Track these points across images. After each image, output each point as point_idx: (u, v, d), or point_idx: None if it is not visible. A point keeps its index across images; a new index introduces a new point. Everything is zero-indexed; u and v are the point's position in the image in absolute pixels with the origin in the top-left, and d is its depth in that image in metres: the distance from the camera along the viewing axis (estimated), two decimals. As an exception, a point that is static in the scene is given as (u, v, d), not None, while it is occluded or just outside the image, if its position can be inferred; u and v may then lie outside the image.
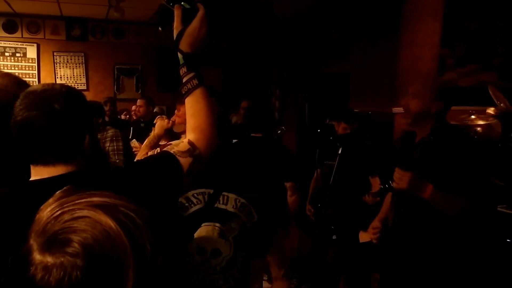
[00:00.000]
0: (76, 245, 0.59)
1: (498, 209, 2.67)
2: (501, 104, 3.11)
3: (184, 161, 1.15)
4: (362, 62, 4.64)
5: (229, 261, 1.51)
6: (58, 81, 5.84)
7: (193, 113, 1.24)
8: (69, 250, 0.59)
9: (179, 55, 1.24)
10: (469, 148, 1.94)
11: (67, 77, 5.89)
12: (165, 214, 1.09)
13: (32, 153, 0.98)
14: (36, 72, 5.76)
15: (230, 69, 6.46)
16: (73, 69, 5.90)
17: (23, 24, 5.64)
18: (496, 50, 3.95)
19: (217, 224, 1.48)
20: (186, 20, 1.27)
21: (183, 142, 1.21)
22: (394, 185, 1.94)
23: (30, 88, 1.00)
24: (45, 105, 0.95)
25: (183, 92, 1.25)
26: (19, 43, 5.67)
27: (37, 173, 0.98)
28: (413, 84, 2.12)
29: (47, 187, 0.93)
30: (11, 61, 5.66)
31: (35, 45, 5.73)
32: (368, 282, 3.23)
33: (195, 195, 1.47)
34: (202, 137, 1.22)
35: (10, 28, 5.60)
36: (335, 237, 3.44)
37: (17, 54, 5.68)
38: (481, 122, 2.98)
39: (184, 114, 2.52)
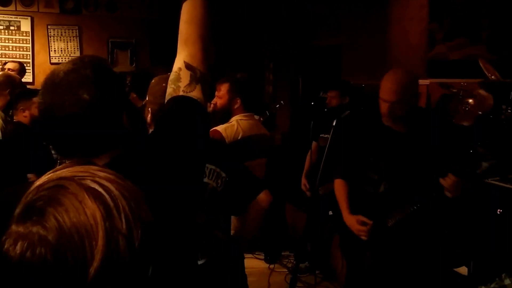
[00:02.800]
0: (52, 219, 0.53)
1: (491, 181, 2.66)
2: (492, 77, 3.20)
3: (196, 93, 1.04)
4: (353, 35, 4.71)
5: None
6: (52, 54, 5.84)
7: (187, 19, 1.11)
8: (43, 221, 0.53)
9: None
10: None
11: (61, 50, 5.89)
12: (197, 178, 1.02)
13: (69, 148, 0.91)
14: (30, 45, 5.74)
15: (221, 42, 6.48)
16: (67, 42, 5.89)
17: (16, -3, 5.61)
18: (483, 23, 4.03)
19: None
20: None
21: (181, 70, 1.06)
22: (448, 194, 1.84)
23: (52, 76, 0.93)
24: (73, 98, 0.87)
25: None
26: (13, 16, 5.63)
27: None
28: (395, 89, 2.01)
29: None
30: (5, 35, 5.63)
31: (29, 18, 5.69)
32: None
33: None
34: (196, 50, 1.08)
35: (3, 1, 5.55)
36: (331, 213, 3.49)
37: (11, 28, 5.65)
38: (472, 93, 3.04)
39: (226, 94, 2.47)
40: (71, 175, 0.58)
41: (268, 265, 3.89)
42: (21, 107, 2.94)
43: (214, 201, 1.55)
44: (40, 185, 0.57)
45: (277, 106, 3.90)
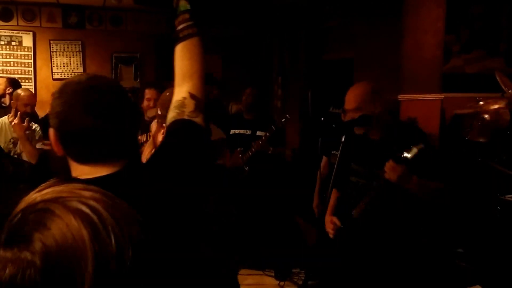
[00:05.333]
0: (39, 244, 0.54)
1: (507, 198, 2.66)
2: (509, 91, 3.07)
3: (199, 120, 1.13)
4: (365, 49, 4.58)
5: None
6: (55, 70, 5.75)
7: (190, 57, 1.20)
8: (30, 247, 0.55)
9: (182, 2, 1.23)
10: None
11: (64, 66, 5.79)
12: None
13: (91, 152, 0.96)
14: (32, 61, 5.66)
15: (230, 57, 6.38)
16: (69, 57, 5.80)
17: (18, 12, 5.52)
18: (502, 35, 3.90)
19: None
20: None
21: (186, 99, 1.15)
22: (385, 175, 2.05)
23: (70, 86, 0.97)
24: (99, 109, 0.93)
25: (180, 36, 1.21)
26: (15, 31, 5.55)
27: (91, 171, 0.95)
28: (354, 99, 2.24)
29: (111, 182, 0.92)
30: (6, 50, 5.56)
31: (31, 33, 5.61)
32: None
33: None
34: (199, 83, 1.18)
35: (5, 16, 5.48)
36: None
37: (13, 43, 5.57)
38: (492, 107, 2.95)
39: (154, 96, 2.50)
40: (56, 196, 0.58)
41: (278, 282, 3.82)
42: None
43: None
44: (25, 209, 0.58)
45: (283, 120, 3.73)
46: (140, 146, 3.00)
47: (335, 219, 2.35)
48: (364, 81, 2.48)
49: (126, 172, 0.95)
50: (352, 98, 2.26)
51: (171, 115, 1.14)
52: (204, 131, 1.13)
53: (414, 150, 1.97)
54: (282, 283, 3.78)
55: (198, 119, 1.12)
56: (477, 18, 3.95)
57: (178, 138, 1.10)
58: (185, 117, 1.11)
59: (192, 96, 1.14)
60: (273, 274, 3.93)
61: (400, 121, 2.45)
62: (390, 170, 2.03)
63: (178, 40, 1.22)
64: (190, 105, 1.13)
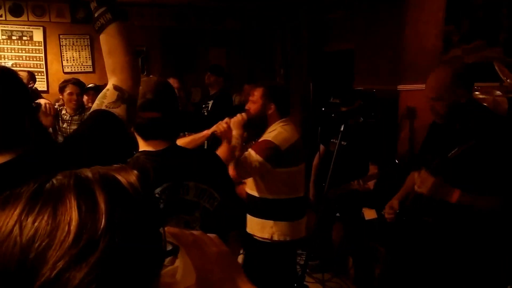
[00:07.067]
0: None
1: None
2: (508, 80, 3.09)
3: (120, 111, 1.10)
4: (366, 39, 4.62)
5: None
6: (65, 63, 5.90)
7: (109, 51, 1.14)
8: None
9: None
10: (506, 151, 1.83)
11: (74, 60, 5.94)
12: None
13: None
14: (43, 55, 5.80)
15: (234, 49, 6.45)
16: (79, 51, 5.93)
17: (28, 8, 5.65)
18: (502, 24, 3.90)
19: (182, 215, 1.46)
20: None
21: (108, 90, 1.13)
22: (415, 187, 1.89)
23: None
24: None
25: (96, 29, 1.14)
26: (26, 27, 5.69)
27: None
28: (431, 88, 2.03)
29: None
30: (18, 45, 5.70)
31: (41, 28, 5.75)
32: (375, 256, 3.29)
33: (158, 193, 1.42)
34: (125, 77, 1.13)
35: (16, 11, 5.62)
36: (338, 215, 3.50)
37: (24, 38, 5.71)
38: (490, 96, 2.97)
39: (260, 99, 2.47)
40: None
41: None
42: None
43: (207, 220, 1.51)
44: None
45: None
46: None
47: (395, 203, 2.23)
48: (445, 66, 2.25)
49: (24, 160, 0.93)
50: (432, 85, 2.01)
51: (93, 106, 1.15)
52: (121, 122, 1.10)
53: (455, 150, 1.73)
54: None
55: (117, 110, 1.10)
56: (478, 8, 3.95)
57: (88, 128, 1.09)
58: (103, 107, 1.10)
59: (115, 87, 1.12)
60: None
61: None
62: (420, 182, 1.85)
63: (96, 32, 1.16)
64: (111, 96, 1.11)
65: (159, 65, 6.13)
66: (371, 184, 3.29)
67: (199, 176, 1.49)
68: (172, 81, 3.75)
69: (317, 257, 3.69)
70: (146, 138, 1.50)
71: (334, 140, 3.41)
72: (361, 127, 3.30)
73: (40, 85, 5.56)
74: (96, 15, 1.14)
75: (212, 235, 0.72)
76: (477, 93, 3.17)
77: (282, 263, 2.46)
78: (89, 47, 5.94)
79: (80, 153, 1.01)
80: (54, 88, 5.41)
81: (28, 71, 4.64)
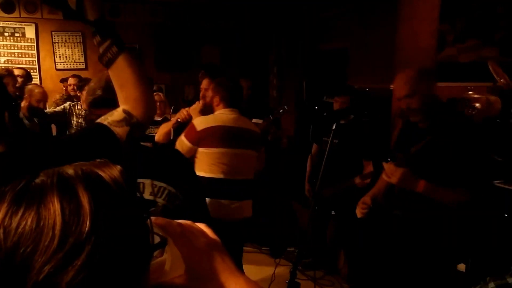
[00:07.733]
0: None
1: (495, 184, 2.68)
2: (501, 80, 3.07)
3: (121, 131, 1.10)
4: (360, 38, 4.59)
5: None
6: (58, 60, 5.84)
7: (121, 85, 1.13)
8: None
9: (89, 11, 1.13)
10: (472, 147, 1.92)
11: (66, 56, 5.89)
12: None
13: None
14: (35, 51, 5.75)
15: (228, 48, 6.41)
16: (71, 48, 5.88)
17: (20, 4, 5.59)
18: (497, 24, 3.87)
19: None
20: None
21: (117, 111, 1.12)
22: (385, 178, 1.97)
23: None
24: None
25: (104, 63, 1.12)
26: (18, 23, 5.64)
27: None
28: (405, 83, 2.10)
29: None
30: (10, 41, 5.65)
31: (33, 25, 5.70)
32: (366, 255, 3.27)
33: None
34: (137, 106, 1.13)
35: (8, 8, 5.56)
36: (333, 213, 3.49)
37: (16, 34, 5.66)
38: (483, 96, 2.95)
39: (210, 90, 2.61)
40: None
41: (274, 259, 3.95)
42: None
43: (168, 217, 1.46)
44: None
45: (281, 111, 3.80)
46: None
47: (367, 199, 2.31)
48: (407, 68, 2.32)
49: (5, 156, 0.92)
50: (402, 84, 2.10)
51: (98, 120, 1.14)
52: (117, 141, 1.09)
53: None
54: (277, 260, 3.87)
55: (118, 129, 1.09)
56: (473, 7, 3.93)
57: (80, 135, 1.12)
58: (105, 123, 1.09)
59: (125, 111, 1.12)
60: (269, 252, 4.12)
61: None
62: (389, 173, 1.93)
63: (104, 66, 1.14)
64: (117, 116, 1.11)
65: (152, 63, 6.08)
66: (368, 181, 3.28)
67: (156, 173, 1.42)
68: (243, 82, 3.73)
69: (310, 255, 3.70)
70: None
71: (326, 138, 3.40)
72: (353, 125, 3.29)
73: (33, 81, 5.51)
74: (101, 50, 1.11)
75: (201, 225, 0.72)
76: (470, 93, 3.15)
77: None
78: (82, 44, 5.89)
79: (65, 155, 0.97)
80: (47, 84, 5.39)
81: (26, 70, 4.59)
